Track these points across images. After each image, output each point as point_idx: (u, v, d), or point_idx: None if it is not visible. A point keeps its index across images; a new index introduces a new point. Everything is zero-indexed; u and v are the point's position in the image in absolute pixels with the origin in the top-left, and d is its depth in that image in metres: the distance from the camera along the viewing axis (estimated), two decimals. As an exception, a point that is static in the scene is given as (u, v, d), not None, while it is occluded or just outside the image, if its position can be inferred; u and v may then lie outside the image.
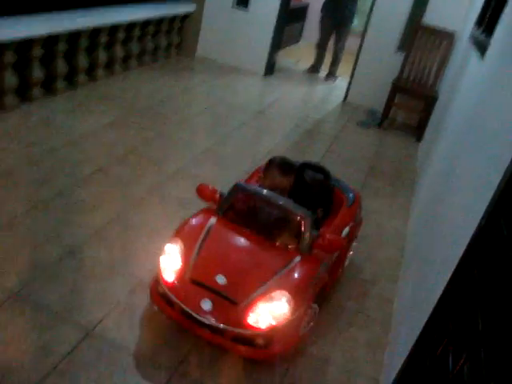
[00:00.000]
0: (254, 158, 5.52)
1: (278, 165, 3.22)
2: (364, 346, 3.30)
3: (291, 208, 2.97)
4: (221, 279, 2.70)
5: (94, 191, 4.32)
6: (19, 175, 4.35)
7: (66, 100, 6.03)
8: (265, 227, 3.02)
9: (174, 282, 2.78)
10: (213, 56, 8.88)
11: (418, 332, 2.34)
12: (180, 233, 2.99)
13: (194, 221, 3.10)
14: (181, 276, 2.77)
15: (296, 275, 2.84)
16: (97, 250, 3.57)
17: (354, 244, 3.90)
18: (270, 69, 8.96)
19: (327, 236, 2.96)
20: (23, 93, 5.64)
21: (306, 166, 3.64)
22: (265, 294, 2.67)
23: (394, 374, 2.50)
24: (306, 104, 8.46)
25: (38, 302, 3.01)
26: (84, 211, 4.02)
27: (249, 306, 2.65)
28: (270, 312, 2.65)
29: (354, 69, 8.33)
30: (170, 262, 2.84)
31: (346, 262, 3.79)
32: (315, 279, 2.93)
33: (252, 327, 2.65)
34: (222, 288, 2.69)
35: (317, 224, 3.16)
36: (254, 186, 3.19)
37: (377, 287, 3.89)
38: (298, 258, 2.89)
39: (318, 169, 3.64)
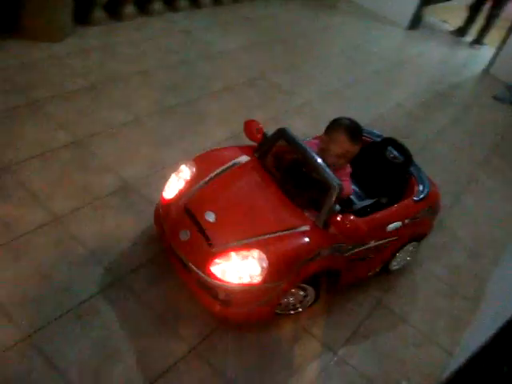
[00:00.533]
0: (378, 108, 5.34)
1: (345, 127, 2.67)
2: (446, 317, 3.19)
3: (325, 173, 2.49)
4: (210, 216, 2.45)
5: (219, 107, 4.42)
6: (154, 78, 4.54)
7: (208, 15, 6.13)
8: (290, 183, 2.65)
9: (168, 202, 2.64)
10: (361, 0, 8.55)
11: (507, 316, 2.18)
12: (200, 158, 2.81)
13: (223, 152, 2.90)
14: (177, 199, 2.61)
15: (288, 243, 2.42)
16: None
17: (411, 248, 3.24)
18: (415, 23, 8.45)
19: (347, 217, 2.44)
20: (170, 2, 5.80)
21: (391, 142, 3.22)
22: (242, 248, 2.35)
23: (470, 352, 2.37)
24: (443, 66, 7.93)
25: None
26: (207, 124, 4.14)
27: (220, 252, 2.36)
28: (238, 268, 2.35)
29: (506, 37, 7.61)
30: (177, 182, 2.70)
31: (395, 265, 3.26)
32: (313, 257, 2.47)
33: (214, 276, 2.36)
34: (207, 225, 2.44)
35: (375, 209, 2.84)
36: (296, 136, 2.69)
37: (476, 264, 3.71)
38: (305, 228, 2.48)
39: (402, 149, 3.16)
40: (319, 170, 2.52)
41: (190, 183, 2.64)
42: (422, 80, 6.83)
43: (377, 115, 4.93)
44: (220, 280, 2.35)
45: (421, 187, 3.07)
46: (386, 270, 3.21)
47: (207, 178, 2.64)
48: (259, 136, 2.81)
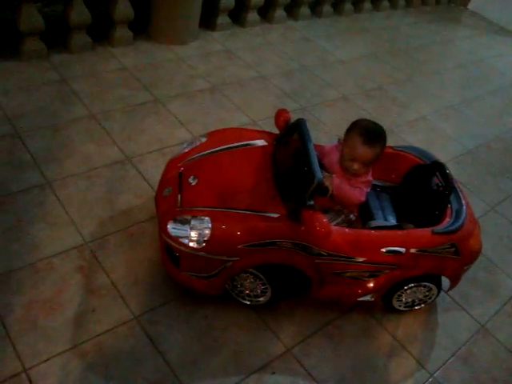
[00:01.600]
0: (499, 131, 5.03)
1: (360, 128, 2.47)
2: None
3: (312, 166, 2.31)
4: (193, 180, 2.50)
5: (333, 115, 4.40)
6: (271, 84, 4.61)
7: (328, 24, 6.14)
8: (282, 173, 2.52)
9: (170, 162, 2.76)
10: (486, 13, 8.14)
11: None
12: (215, 132, 2.91)
13: (242, 131, 2.98)
14: (177, 161, 2.71)
15: (244, 221, 2.33)
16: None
17: (424, 291, 2.74)
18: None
19: (317, 216, 2.21)
20: (290, 10, 5.90)
21: (439, 168, 2.78)
22: (200, 213, 2.34)
23: None
24: None
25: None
26: (320, 131, 4.13)
27: (180, 212, 2.39)
28: (186, 230, 2.32)
29: None
30: (186, 147, 2.81)
31: (401, 305, 2.79)
32: (267, 244, 2.32)
33: (167, 233, 2.36)
34: (186, 186, 2.50)
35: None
36: (308, 131, 2.54)
37: None
38: (274, 215, 2.34)
39: (445, 177, 2.71)
40: (308, 163, 2.34)
41: (195, 151, 2.72)
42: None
43: (495, 137, 4.65)
44: (170, 238, 2.35)
45: (451, 220, 2.57)
46: (389, 306, 2.80)
47: (212, 150, 2.69)
48: (283, 125, 2.74)
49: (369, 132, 2.45)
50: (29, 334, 2.27)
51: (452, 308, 2.97)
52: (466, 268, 2.74)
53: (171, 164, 2.74)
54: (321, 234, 2.20)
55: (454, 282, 2.77)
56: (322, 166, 2.50)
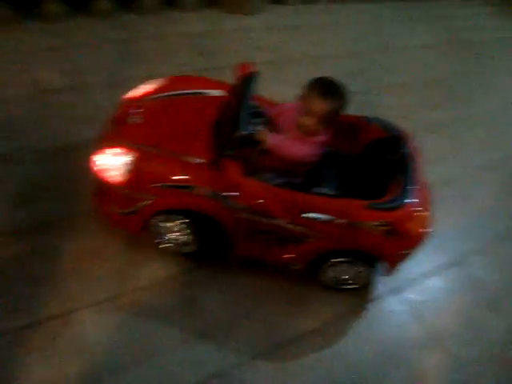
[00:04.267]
0: None
1: (317, 81, 2.29)
2: None
3: (240, 117, 2.26)
4: (137, 119, 2.52)
5: (394, 101, 4.30)
6: (333, 64, 4.56)
7: (397, 8, 6.02)
8: (220, 122, 2.48)
9: (124, 100, 2.76)
10: None
11: None
12: (174, 78, 2.94)
13: (200, 80, 2.93)
14: (131, 100, 2.73)
15: (165, 162, 2.34)
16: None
17: (357, 269, 2.57)
18: None
19: (230, 161, 2.24)
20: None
21: (396, 142, 2.57)
22: (128, 149, 2.35)
23: None
24: None
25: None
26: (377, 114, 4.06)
27: (109, 146, 2.40)
28: (109, 163, 2.36)
29: None
30: (144, 87, 2.83)
31: (326, 280, 2.65)
32: (183, 187, 2.32)
33: (93, 165, 2.40)
34: (129, 124, 2.51)
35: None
36: (253, 85, 2.50)
37: None
38: (197, 160, 2.31)
39: (397, 153, 2.51)
40: (236, 114, 2.28)
41: (151, 92, 2.74)
42: None
43: None
44: (96, 169, 2.39)
45: (392, 198, 2.32)
46: (316, 277, 2.66)
47: (163, 94, 2.71)
48: (239, 78, 2.61)
49: (325, 85, 2.29)
50: (73, 280, 2.39)
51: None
52: (405, 252, 2.46)
53: (125, 101, 2.75)
54: (230, 181, 2.22)
55: (391, 265, 2.50)
56: (268, 123, 2.47)
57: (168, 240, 2.60)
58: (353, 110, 3.99)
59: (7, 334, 2.15)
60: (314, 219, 2.31)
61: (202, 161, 2.30)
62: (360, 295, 2.72)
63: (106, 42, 3.93)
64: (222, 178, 2.26)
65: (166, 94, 2.72)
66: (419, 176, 2.48)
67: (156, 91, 2.75)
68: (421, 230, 2.38)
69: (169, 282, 2.51)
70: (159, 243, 2.62)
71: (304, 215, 2.31)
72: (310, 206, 2.30)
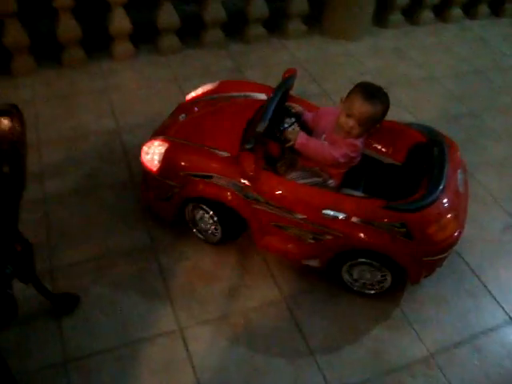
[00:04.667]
0: None
1: (361, 85, 2.40)
2: None
3: (265, 114, 2.41)
4: (183, 117, 2.80)
5: (506, 123, 4.10)
6: (441, 85, 4.46)
7: (508, 25, 5.71)
8: (253, 120, 2.61)
9: (181, 104, 3.02)
10: None
11: None
12: (225, 82, 3.14)
13: (248, 84, 3.12)
14: (185, 103, 3.01)
15: (191, 153, 2.57)
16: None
17: (375, 272, 2.52)
18: None
19: (248, 154, 2.36)
20: (469, 8, 5.63)
21: (429, 147, 2.53)
22: (162, 140, 2.63)
23: None
24: None
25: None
26: (489, 139, 3.91)
27: (154, 139, 2.68)
28: (150, 153, 2.64)
29: None
30: (196, 91, 3.08)
31: (350, 281, 2.61)
32: (204, 176, 2.48)
33: (142, 155, 2.68)
34: (176, 121, 2.80)
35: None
36: (289, 85, 2.75)
37: None
38: (223, 153, 2.49)
39: (428, 157, 2.47)
40: (264, 112, 2.43)
41: (204, 94, 3.00)
42: None
43: None
44: (142, 159, 2.67)
45: (415, 199, 2.27)
46: (339, 279, 2.63)
47: (213, 96, 2.94)
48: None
49: (369, 87, 2.38)
50: (187, 298, 2.54)
51: None
52: (426, 260, 2.38)
53: (180, 105, 3.00)
54: (246, 174, 2.34)
55: (413, 273, 2.43)
56: (303, 124, 2.61)
57: (199, 230, 2.78)
58: (461, 131, 3.88)
59: (125, 346, 2.31)
60: (331, 216, 2.32)
61: (228, 154, 2.47)
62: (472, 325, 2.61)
63: (216, 70, 4.13)
64: (239, 170, 2.39)
65: (214, 96, 2.96)
66: (453, 182, 2.42)
67: (208, 93, 3.00)
68: (443, 237, 2.30)
69: (279, 304, 2.57)
70: (195, 233, 2.81)
71: (322, 212, 2.33)
72: (326, 202, 2.33)
